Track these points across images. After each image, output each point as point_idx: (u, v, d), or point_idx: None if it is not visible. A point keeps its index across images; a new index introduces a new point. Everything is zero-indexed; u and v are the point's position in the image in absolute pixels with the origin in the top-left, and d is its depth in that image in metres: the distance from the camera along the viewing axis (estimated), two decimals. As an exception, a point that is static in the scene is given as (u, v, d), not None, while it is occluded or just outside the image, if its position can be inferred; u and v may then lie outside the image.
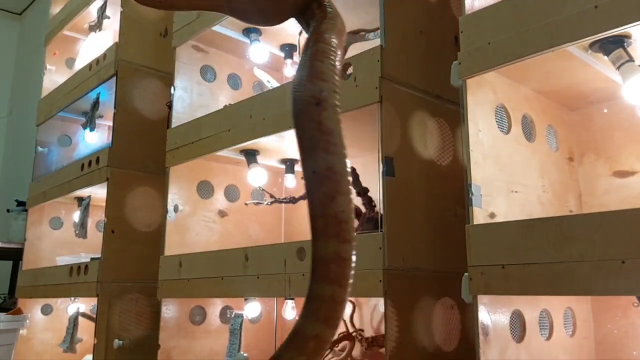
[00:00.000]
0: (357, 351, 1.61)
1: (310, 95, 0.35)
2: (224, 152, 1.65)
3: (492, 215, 1.07)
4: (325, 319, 0.34)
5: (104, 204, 1.99)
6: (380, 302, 1.23)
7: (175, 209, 1.78)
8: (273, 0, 0.41)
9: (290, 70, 1.94)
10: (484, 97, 1.12)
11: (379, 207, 1.24)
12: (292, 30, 1.82)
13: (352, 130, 1.41)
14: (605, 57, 1.05)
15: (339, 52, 0.38)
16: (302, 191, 1.74)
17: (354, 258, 0.35)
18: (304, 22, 0.42)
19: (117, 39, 2.11)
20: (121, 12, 2.14)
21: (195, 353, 1.77)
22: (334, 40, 0.38)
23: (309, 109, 0.34)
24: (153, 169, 2.05)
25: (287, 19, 0.43)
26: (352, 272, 0.35)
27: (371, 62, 1.23)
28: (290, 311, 1.78)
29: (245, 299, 1.73)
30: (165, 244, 1.75)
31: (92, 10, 2.42)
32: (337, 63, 0.37)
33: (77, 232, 2.28)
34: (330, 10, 0.41)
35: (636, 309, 1.22)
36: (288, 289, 1.31)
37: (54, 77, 2.73)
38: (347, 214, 0.34)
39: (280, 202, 1.81)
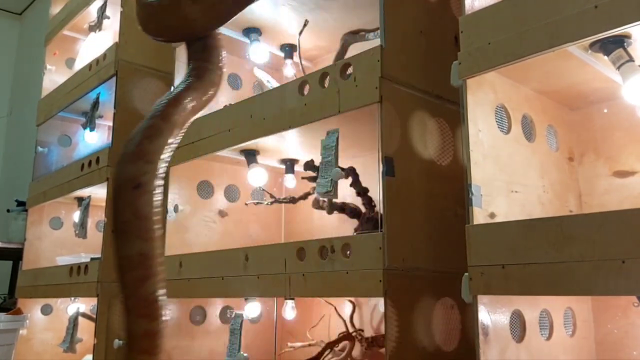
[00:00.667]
0: (357, 351, 1.61)
1: (130, 178, 0.35)
2: (224, 152, 1.65)
3: (492, 215, 1.07)
4: None
5: (104, 204, 1.99)
6: (380, 302, 1.23)
7: (175, 209, 1.78)
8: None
9: (290, 70, 1.94)
10: (484, 97, 1.12)
11: (379, 207, 1.24)
12: (292, 30, 1.82)
13: (352, 130, 1.41)
14: (606, 57, 1.05)
15: (179, 128, 0.38)
16: (302, 191, 1.74)
17: (163, 330, 0.39)
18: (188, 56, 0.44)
19: (117, 39, 2.11)
20: (121, 12, 2.14)
21: (195, 353, 1.77)
22: (181, 111, 0.39)
23: (126, 193, 0.35)
24: (153, 169, 2.04)
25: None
26: (162, 343, 0.39)
27: (371, 62, 1.23)
28: (290, 311, 1.78)
29: (245, 299, 1.73)
30: (166, 244, 1.75)
31: (92, 10, 2.42)
32: (171, 141, 0.38)
33: (77, 232, 2.28)
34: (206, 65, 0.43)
35: (636, 309, 1.22)
36: (288, 289, 1.31)
37: (54, 77, 2.73)
38: (156, 295, 0.37)
39: (280, 202, 1.81)
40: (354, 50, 1.66)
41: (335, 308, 1.70)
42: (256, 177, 1.74)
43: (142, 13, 0.43)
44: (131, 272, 0.35)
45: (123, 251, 0.35)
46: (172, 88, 1.84)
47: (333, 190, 1.29)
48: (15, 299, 2.57)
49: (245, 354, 1.56)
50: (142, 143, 0.37)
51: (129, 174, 0.35)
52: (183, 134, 0.39)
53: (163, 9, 0.42)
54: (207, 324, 1.83)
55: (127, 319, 0.37)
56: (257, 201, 1.87)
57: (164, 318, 0.39)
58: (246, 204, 1.90)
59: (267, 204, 1.84)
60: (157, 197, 0.35)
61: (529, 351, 1.10)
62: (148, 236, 0.35)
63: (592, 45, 1.04)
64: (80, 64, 2.59)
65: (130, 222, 0.35)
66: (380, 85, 1.21)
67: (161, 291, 0.38)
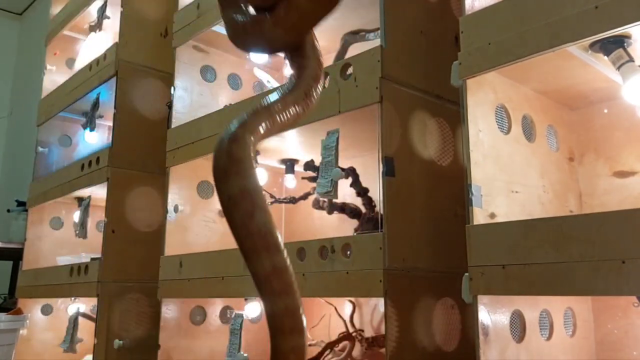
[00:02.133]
0: (357, 351, 1.61)
1: (228, 135, 0.38)
2: (224, 152, 1.65)
3: (492, 215, 1.07)
4: (291, 331, 0.37)
5: (104, 204, 1.99)
6: (380, 302, 1.23)
7: (176, 209, 1.78)
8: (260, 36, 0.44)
9: (290, 70, 1.94)
10: (484, 97, 1.12)
11: (379, 207, 1.24)
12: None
13: (352, 130, 1.41)
14: (606, 57, 1.05)
15: (286, 115, 0.41)
16: (302, 191, 1.75)
17: (289, 266, 0.38)
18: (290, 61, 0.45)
19: (117, 39, 2.11)
20: (121, 12, 2.14)
21: (195, 353, 1.77)
22: (290, 103, 0.41)
23: (222, 144, 0.38)
24: (153, 169, 2.05)
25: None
26: (294, 277, 0.37)
27: (371, 62, 1.23)
28: (291, 311, 1.77)
29: (246, 299, 1.73)
30: (166, 244, 1.75)
31: (92, 10, 2.42)
32: (271, 122, 0.40)
33: (77, 232, 2.28)
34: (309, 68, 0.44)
35: (636, 309, 1.22)
36: (288, 289, 1.30)
37: (54, 77, 2.73)
38: (269, 226, 0.37)
39: (280, 202, 1.81)
40: (354, 50, 1.66)
41: (336, 308, 1.70)
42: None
43: (228, 30, 0.45)
44: (238, 211, 0.37)
45: (225, 194, 0.37)
46: (172, 89, 1.85)
47: (333, 190, 1.29)
48: (16, 299, 2.57)
49: (245, 354, 1.56)
50: (249, 118, 0.40)
51: (227, 134, 0.39)
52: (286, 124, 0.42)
53: (246, 30, 0.44)
54: (207, 324, 1.83)
55: (250, 263, 0.38)
56: (257, 201, 1.87)
57: (285, 252, 0.40)
58: (246, 204, 1.90)
59: (267, 204, 1.84)
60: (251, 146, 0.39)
61: (529, 351, 1.10)
62: (246, 174, 0.38)
63: (592, 45, 1.04)
64: (80, 64, 2.59)
65: (227, 166, 0.37)
66: (380, 86, 1.21)
67: (272, 225, 0.40)
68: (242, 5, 0.45)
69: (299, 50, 0.44)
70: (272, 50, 0.47)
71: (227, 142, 0.38)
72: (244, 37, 0.44)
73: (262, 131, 0.39)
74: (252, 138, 0.39)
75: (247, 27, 0.44)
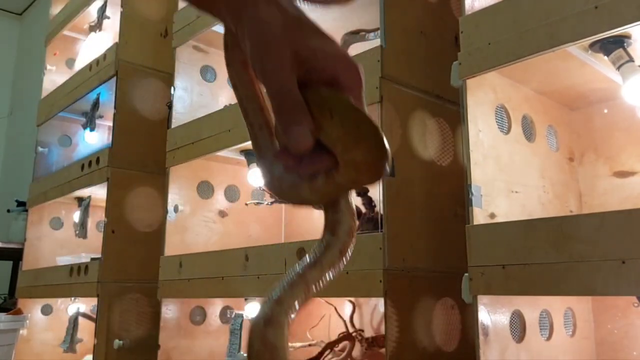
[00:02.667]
0: (357, 351, 1.61)
1: (263, 316, 0.37)
2: (224, 152, 1.65)
3: (492, 215, 1.07)
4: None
5: (104, 204, 1.99)
6: (380, 302, 1.23)
7: (175, 209, 1.78)
8: None
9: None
10: (484, 97, 1.12)
11: (379, 207, 1.24)
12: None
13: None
14: (606, 57, 1.05)
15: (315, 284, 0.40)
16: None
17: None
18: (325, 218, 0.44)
19: (117, 39, 2.11)
20: (121, 12, 2.14)
21: (195, 353, 1.77)
22: (323, 270, 0.40)
23: (257, 326, 0.37)
24: (153, 169, 2.05)
25: None
26: None
27: (371, 62, 1.23)
28: (291, 311, 1.78)
29: (246, 299, 1.73)
30: (166, 244, 1.75)
31: (92, 10, 2.42)
32: (307, 292, 0.40)
33: (77, 232, 2.28)
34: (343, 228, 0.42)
35: (636, 309, 1.22)
36: (288, 289, 1.30)
37: (54, 77, 2.73)
38: None
39: (280, 202, 1.81)
40: (354, 50, 1.66)
41: (335, 308, 1.70)
42: (256, 177, 1.74)
43: (264, 178, 0.45)
44: None
45: None
46: (172, 89, 1.85)
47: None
48: (15, 299, 2.57)
49: (245, 354, 1.56)
50: (281, 294, 0.39)
51: (261, 313, 0.38)
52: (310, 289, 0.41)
53: (282, 189, 0.43)
54: (207, 324, 1.83)
55: None
56: (257, 201, 1.87)
57: None
58: (246, 204, 1.90)
59: (267, 204, 1.84)
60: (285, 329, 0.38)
61: (529, 351, 1.10)
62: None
63: (592, 45, 1.04)
64: (80, 64, 2.59)
65: (261, 352, 0.37)
66: (380, 85, 1.21)
67: None
68: (277, 161, 0.44)
69: (334, 205, 0.43)
70: (305, 205, 0.46)
71: (262, 324, 0.37)
72: (279, 193, 0.44)
73: (297, 306, 0.39)
74: (288, 318, 0.38)
75: (284, 187, 0.43)
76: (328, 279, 0.40)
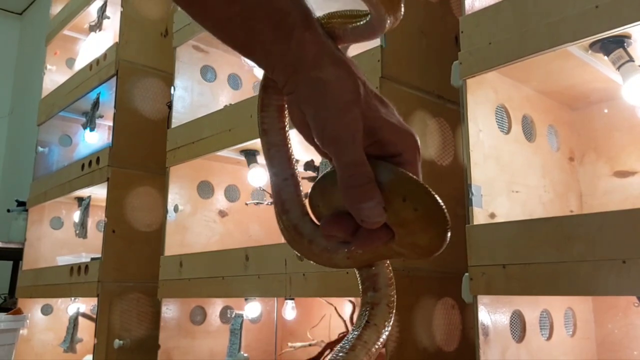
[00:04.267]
0: (357, 351, 1.61)
1: None
2: (224, 152, 1.65)
3: (492, 215, 1.07)
4: None
5: (104, 204, 1.99)
6: (381, 302, 1.23)
7: (176, 209, 1.78)
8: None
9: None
10: (484, 97, 1.12)
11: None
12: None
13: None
14: (606, 57, 1.05)
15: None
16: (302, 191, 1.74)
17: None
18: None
19: (117, 39, 2.11)
20: (121, 12, 2.14)
21: (195, 353, 1.77)
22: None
23: None
24: (153, 169, 2.05)
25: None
26: None
27: (371, 62, 1.23)
28: (291, 311, 1.78)
29: (246, 299, 1.73)
30: (166, 244, 1.75)
31: (92, 10, 2.42)
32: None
33: (77, 232, 2.28)
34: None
35: (637, 309, 1.22)
36: (288, 289, 1.31)
37: (54, 77, 2.73)
38: None
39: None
40: (354, 50, 1.65)
41: (335, 308, 1.70)
42: (256, 177, 1.74)
43: (289, 239, 0.43)
44: None
45: None
46: (173, 89, 1.85)
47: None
48: (16, 299, 2.57)
49: (245, 354, 1.56)
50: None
51: None
52: None
53: (312, 251, 0.42)
54: (207, 324, 1.83)
55: None
56: (257, 201, 1.87)
57: None
58: (246, 204, 1.90)
59: (268, 204, 1.84)
60: None
61: (529, 351, 1.10)
62: None
63: (592, 45, 1.04)
64: (80, 63, 2.59)
65: None
66: (380, 85, 1.21)
67: None
68: (309, 219, 0.42)
69: (373, 276, 0.41)
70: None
71: None
72: (306, 254, 0.42)
73: None
74: None
75: (314, 249, 0.41)
76: (384, 338, 0.39)
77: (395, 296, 0.41)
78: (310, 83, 0.38)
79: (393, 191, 0.38)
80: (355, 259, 0.40)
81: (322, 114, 0.38)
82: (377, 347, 0.39)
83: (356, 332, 0.39)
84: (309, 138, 0.40)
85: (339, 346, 0.38)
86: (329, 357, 0.38)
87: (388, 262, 0.42)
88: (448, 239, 0.38)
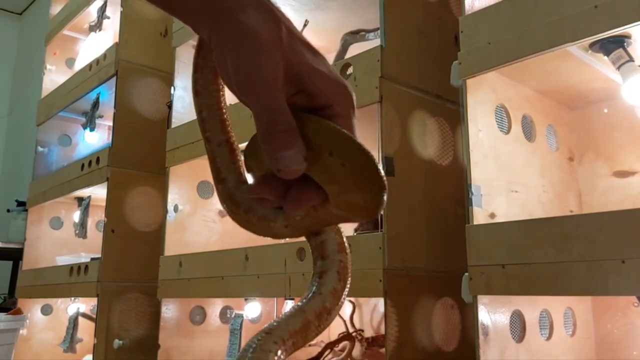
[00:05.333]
0: (357, 351, 1.61)
1: (246, 346, 0.33)
2: (224, 152, 1.65)
3: (492, 215, 1.07)
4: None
5: (104, 204, 1.99)
6: (380, 302, 1.23)
7: (175, 208, 1.78)
8: None
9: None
10: (484, 97, 1.12)
11: (379, 207, 1.24)
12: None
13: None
14: (606, 57, 1.05)
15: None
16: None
17: None
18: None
19: (117, 39, 2.11)
20: (121, 12, 2.14)
21: (195, 353, 1.77)
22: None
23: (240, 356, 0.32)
24: (153, 169, 2.05)
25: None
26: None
27: (371, 62, 1.23)
28: (290, 311, 1.78)
29: (245, 299, 1.74)
30: (165, 244, 1.75)
31: (92, 10, 2.42)
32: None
33: (77, 232, 2.28)
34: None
35: (636, 309, 1.22)
36: (288, 289, 1.31)
37: (54, 77, 2.73)
38: None
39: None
40: (354, 50, 1.66)
41: (335, 308, 1.70)
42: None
43: (226, 209, 0.40)
44: None
45: None
46: (173, 89, 1.85)
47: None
48: (15, 299, 2.57)
49: (245, 354, 1.56)
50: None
51: (247, 343, 0.33)
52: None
53: (249, 222, 0.39)
54: (207, 324, 1.83)
55: None
56: (257, 201, 1.87)
57: None
58: (246, 204, 1.90)
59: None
60: None
61: (529, 351, 1.10)
62: None
63: (592, 45, 1.04)
64: (80, 64, 2.59)
65: None
66: (380, 85, 1.21)
67: None
68: (242, 187, 0.39)
69: (320, 244, 0.38)
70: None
71: (244, 353, 0.32)
72: (245, 224, 0.39)
73: (294, 339, 0.34)
74: (277, 349, 0.33)
75: (252, 219, 0.38)
76: (334, 306, 0.37)
77: (349, 262, 0.39)
78: (232, 30, 0.36)
79: (319, 145, 0.35)
80: (295, 226, 0.38)
81: (240, 58, 0.35)
82: (323, 317, 0.36)
83: (300, 303, 0.36)
84: (236, 92, 0.38)
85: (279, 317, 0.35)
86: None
87: (338, 227, 0.39)
88: (385, 197, 0.35)
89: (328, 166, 0.35)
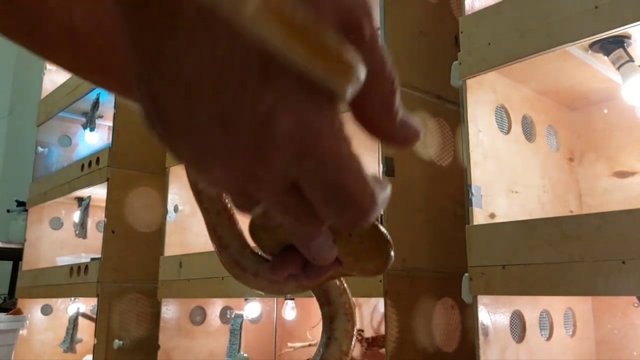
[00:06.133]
0: (357, 351, 1.61)
1: None
2: (224, 152, 1.65)
3: (492, 215, 1.07)
4: None
5: (104, 204, 1.99)
6: (380, 302, 1.23)
7: (175, 209, 1.78)
8: None
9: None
10: (484, 97, 1.12)
11: (379, 207, 1.24)
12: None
13: (352, 130, 1.41)
14: (606, 58, 1.05)
15: None
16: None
17: None
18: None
19: (117, 39, 2.10)
20: (121, 12, 2.14)
21: (195, 353, 1.77)
22: None
23: None
24: (153, 169, 2.05)
25: None
26: None
27: (371, 62, 1.23)
28: (290, 311, 1.78)
29: (245, 299, 1.73)
30: (165, 244, 1.75)
31: (92, 10, 2.42)
32: None
33: (77, 232, 2.28)
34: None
35: (636, 309, 1.22)
36: (288, 289, 1.30)
37: (54, 77, 2.73)
38: None
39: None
40: (354, 50, 1.65)
41: (335, 308, 1.70)
42: (256, 177, 1.74)
43: (232, 273, 0.41)
44: None
45: None
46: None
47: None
48: (15, 299, 2.57)
49: (245, 354, 1.56)
50: None
51: None
52: None
53: (259, 286, 0.40)
54: (207, 324, 1.83)
55: None
56: (257, 201, 1.87)
57: None
58: (246, 204, 1.90)
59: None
60: None
61: (529, 351, 1.10)
62: None
63: (592, 45, 1.04)
64: (80, 64, 2.59)
65: None
66: (380, 86, 1.20)
67: None
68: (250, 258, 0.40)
69: (324, 292, 0.41)
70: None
71: None
72: (253, 286, 0.41)
73: None
74: None
75: (261, 284, 0.40)
76: (349, 347, 0.39)
77: (352, 301, 0.42)
78: None
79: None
80: (306, 287, 0.40)
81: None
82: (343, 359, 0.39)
83: (321, 349, 0.39)
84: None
85: None
86: None
87: (350, 301, 0.43)
88: (393, 259, 0.39)
89: (347, 244, 0.38)
